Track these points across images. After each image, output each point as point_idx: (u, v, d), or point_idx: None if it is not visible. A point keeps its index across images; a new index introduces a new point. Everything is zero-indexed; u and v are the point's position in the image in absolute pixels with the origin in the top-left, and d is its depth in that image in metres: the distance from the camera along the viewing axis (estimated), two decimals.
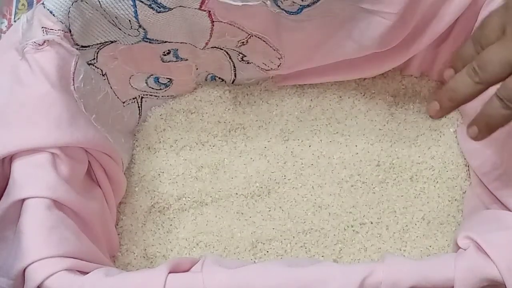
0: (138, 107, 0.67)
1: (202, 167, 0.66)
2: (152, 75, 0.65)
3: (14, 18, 0.71)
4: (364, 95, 0.69)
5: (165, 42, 0.60)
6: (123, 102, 0.65)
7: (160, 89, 0.67)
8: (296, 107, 0.69)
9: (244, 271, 0.46)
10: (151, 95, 0.67)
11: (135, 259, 0.62)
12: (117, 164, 0.60)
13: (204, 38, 0.60)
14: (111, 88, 0.62)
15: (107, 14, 0.55)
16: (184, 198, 0.65)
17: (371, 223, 0.63)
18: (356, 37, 0.60)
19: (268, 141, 0.67)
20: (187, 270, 0.48)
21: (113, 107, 0.62)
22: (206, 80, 0.69)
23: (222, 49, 0.64)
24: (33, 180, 0.49)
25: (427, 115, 0.68)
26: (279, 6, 0.56)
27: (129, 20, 0.56)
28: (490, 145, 0.60)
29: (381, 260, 0.47)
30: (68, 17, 0.53)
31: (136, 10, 0.55)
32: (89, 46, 0.57)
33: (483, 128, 0.43)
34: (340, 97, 0.69)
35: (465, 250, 0.48)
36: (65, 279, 0.45)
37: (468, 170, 0.66)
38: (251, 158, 0.67)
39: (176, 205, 0.65)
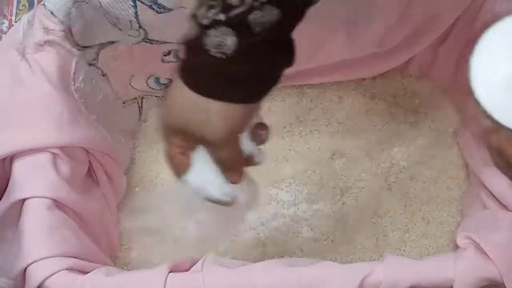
0: (139, 107, 0.67)
1: None
2: (152, 75, 0.65)
3: (15, 18, 0.71)
4: (364, 95, 0.69)
5: (166, 42, 0.60)
6: (124, 102, 0.65)
7: (161, 90, 0.67)
8: (296, 107, 0.69)
9: (244, 271, 0.46)
10: (152, 95, 0.67)
11: (135, 259, 0.62)
12: (117, 164, 0.60)
13: None
14: (112, 88, 0.62)
15: (107, 15, 0.55)
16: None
17: (372, 222, 0.63)
18: (356, 37, 0.60)
19: (268, 141, 0.67)
20: (188, 270, 0.48)
21: (113, 107, 0.62)
22: None
23: None
24: (34, 180, 0.49)
25: (427, 115, 0.68)
26: None
27: (130, 21, 0.56)
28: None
29: (381, 260, 0.47)
30: (69, 17, 0.53)
31: (137, 11, 0.55)
32: (89, 46, 0.57)
33: None
34: (340, 97, 0.69)
35: (464, 250, 0.48)
36: (66, 278, 0.45)
37: (468, 170, 0.66)
38: None
39: (176, 205, 0.65)
